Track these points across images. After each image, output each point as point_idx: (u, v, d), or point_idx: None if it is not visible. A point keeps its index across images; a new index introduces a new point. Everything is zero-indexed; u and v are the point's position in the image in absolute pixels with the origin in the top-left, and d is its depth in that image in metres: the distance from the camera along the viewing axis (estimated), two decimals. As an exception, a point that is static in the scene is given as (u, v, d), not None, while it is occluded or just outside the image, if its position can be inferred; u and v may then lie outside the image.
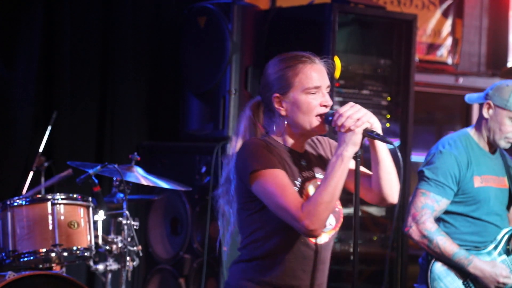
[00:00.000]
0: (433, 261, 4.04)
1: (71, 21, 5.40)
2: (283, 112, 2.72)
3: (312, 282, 2.72)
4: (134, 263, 4.33)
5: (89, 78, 5.53)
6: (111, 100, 5.60)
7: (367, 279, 5.28)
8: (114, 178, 4.39)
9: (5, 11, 5.25)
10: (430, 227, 3.98)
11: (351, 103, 2.65)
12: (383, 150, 2.72)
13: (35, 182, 4.91)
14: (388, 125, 5.34)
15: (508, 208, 4.17)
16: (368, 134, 2.62)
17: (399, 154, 2.65)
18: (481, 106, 4.15)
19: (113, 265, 4.35)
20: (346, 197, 2.76)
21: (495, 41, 7.10)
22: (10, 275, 3.91)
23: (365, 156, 4.98)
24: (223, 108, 5.20)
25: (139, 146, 5.60)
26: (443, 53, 6.93)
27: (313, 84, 2.69)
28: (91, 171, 4.09)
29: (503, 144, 4.10)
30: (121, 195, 4.36)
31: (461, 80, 6.76)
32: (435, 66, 6.83)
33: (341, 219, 2.77)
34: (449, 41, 6.91)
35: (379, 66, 5.34)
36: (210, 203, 5.06)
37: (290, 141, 2.76)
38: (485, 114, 4.09)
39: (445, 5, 6.89)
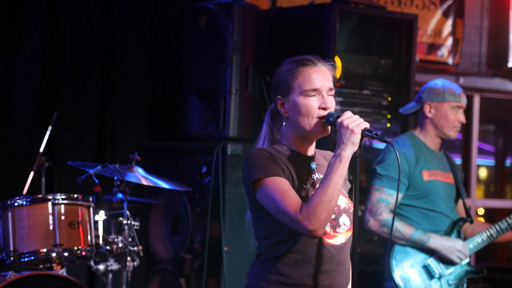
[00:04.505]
0: (391, 254, 4.33)
1: (72, 21, 5.40)
2: (285, 114, 2.79)
3: (330, 283, 2.74)
4: (135, 263, 4.33)
5: (90, 78, 5.53)
6: (112, 100, 5.60)
7: (367, 279, 5.28)
8: (115, 178, 4.39)
9: (5, 11, 5.25)
10: (386, 216, 4.30)
11: (349, 112, 2.69)
12: None
13: (35, 182, 4.92)
14: (388, 125, 5.34)
15: (455, 201, 4.53)
16: (367, 133, 2.65)
17: (396, 152, 2.76)
18: (419, 111, 4.49)
19: (113, 265, 4.35)
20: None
21: (495, 41, 7.10)
22: (11, 275, 3.91)
23: (365, 156, 4.96)
24: (223, 108, 5.19)
25: (140, 146, 5.59)
26: (444, 53, 6.92)
27: (312, 87, 2.73)
28: (91, 171, 4.09)
29: (453, 134, 4.45)
30: (121, 195, 4.36)
31: (461, 80, 6.75)
32: (436, 66, 6.83)
33: None
34: (449, 41, 6.91)
35: (380, 66, 5.34)
36: (210, 203, 5.06)
37: (297, 146, 2.81)
38: (429, 114, 4.43)
39: (445, 5, 6.88)
